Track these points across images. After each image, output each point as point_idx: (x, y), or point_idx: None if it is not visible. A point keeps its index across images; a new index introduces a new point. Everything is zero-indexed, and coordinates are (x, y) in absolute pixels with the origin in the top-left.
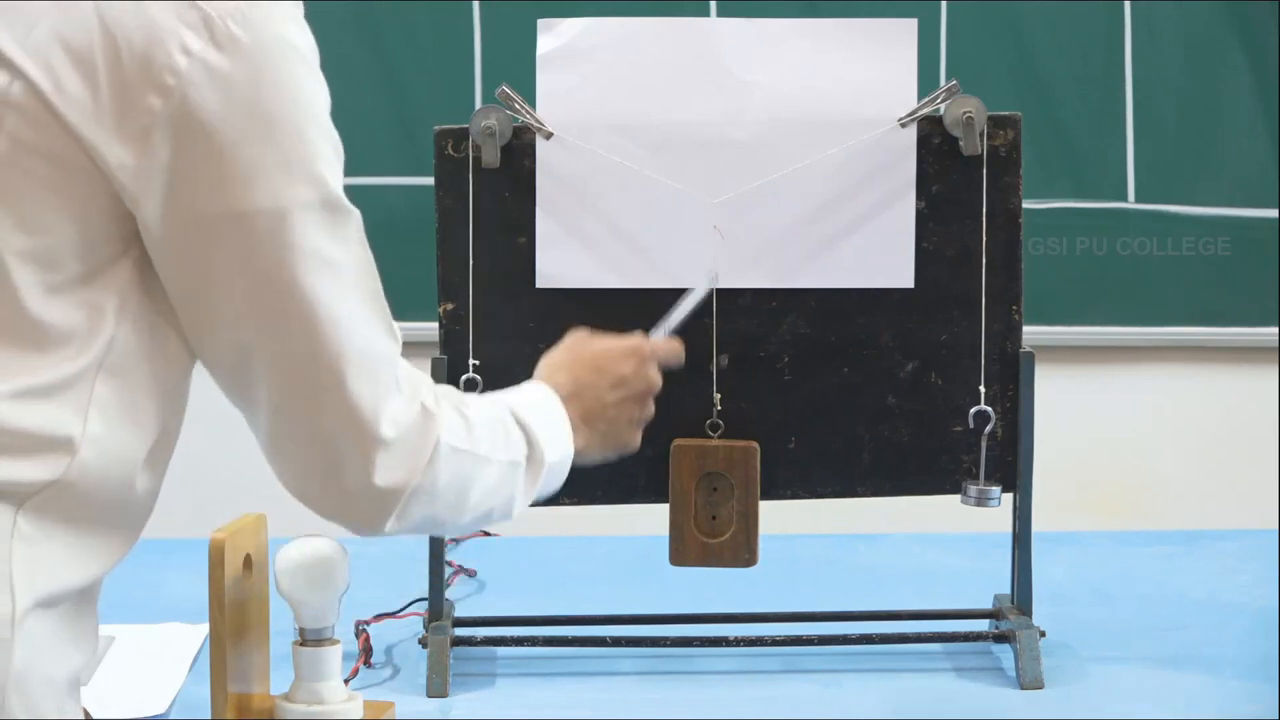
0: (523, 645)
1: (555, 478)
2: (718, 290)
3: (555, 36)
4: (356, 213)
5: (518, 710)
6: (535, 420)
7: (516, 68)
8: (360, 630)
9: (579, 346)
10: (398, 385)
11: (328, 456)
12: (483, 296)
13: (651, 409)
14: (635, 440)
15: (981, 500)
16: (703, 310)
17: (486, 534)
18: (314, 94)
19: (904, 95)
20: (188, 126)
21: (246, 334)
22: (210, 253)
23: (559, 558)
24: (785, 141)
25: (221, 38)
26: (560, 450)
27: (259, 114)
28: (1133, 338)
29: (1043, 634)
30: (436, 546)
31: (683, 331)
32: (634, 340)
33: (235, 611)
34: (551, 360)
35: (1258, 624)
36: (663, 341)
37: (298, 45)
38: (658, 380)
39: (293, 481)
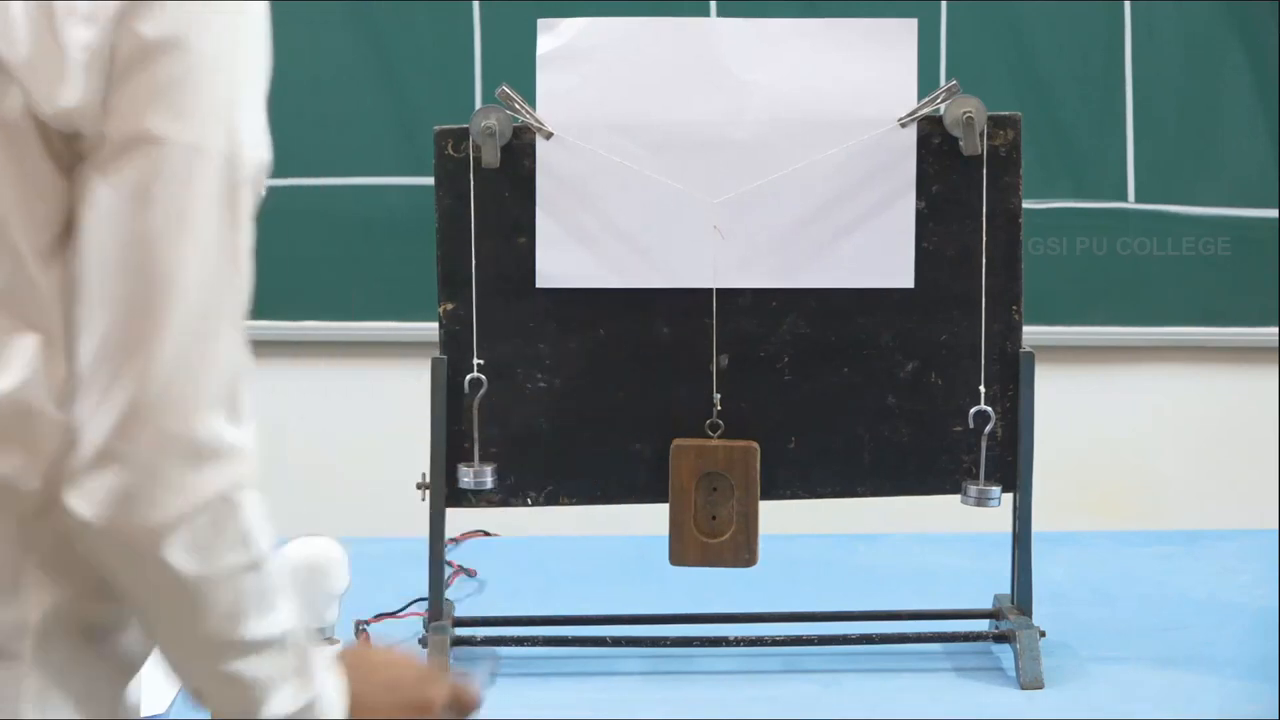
0: (523, 645)
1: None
2: (718, 290)
3: (555, 36)
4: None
5: (518, 710)
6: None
7: (516, 68)
8: (360, 630)
9: (357, 683)
10: (231, 407)
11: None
12: (483, 296)
13: None
14: None
15: (981, 500)
16: (703, 310)
17: (486, 534)
18: (251, 57)
19: (904, 95)
20: (118, 54)
21: (90, 275)
22: (102, 182)
23: (559, 558)
24: (785, 141)
25: (138, 16)
26: (336, 706)
27: (189, 51)
28: (1133, 338)
29: (1043, 634)
30: (436, 546)
31: (682, 328)
32: (422, 692)
33: None
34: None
35: (1258, 624)
36: (455, 691)
37: (240, 17)
38: (439, 707)
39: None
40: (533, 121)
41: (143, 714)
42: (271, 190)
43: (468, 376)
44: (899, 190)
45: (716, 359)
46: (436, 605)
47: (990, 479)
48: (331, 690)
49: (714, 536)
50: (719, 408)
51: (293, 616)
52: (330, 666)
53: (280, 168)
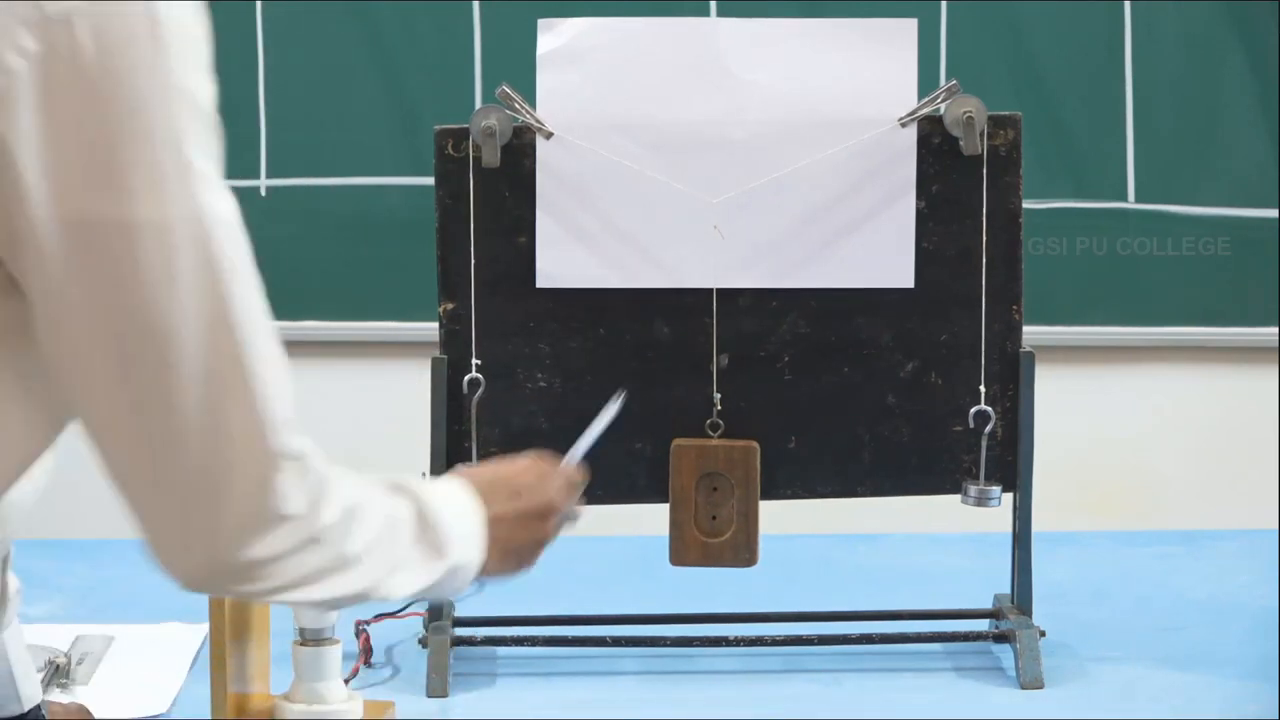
0: (523, 645)
1: (460, 576)
2: (718, 290)
3: (555, 36)
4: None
5: (518, 710)
6: (444, 514)
7: (516, 68)
8: (360, 630)
9: (477, 469)
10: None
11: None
12: (483, 296)
13: (554, 530)
14: (534, 560)
15: (981, 500)
16: (703, 310)
17: None
18: (178, 97)
19: (904, 95)
20: (26, 131)
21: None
22: (56, 263)
23: (559, 558)
24: (785, 141)
25: (59, 41)
26: (466, 544)
27: (109, 119)
28: (1133, 338)
29: (1043, 634)
30: None
31: (682, 328)
32: (532, 457)
33: (235, 611)
34: (446, 476)
35: (1258, 624)
36: (568, 467)
37: (156, 42)
38: (558, 500)
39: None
40: (533, 121)
41: (143, 714)
42: (272, 190)
43: (466, 377)
44: (899, 190)
45: (716, 359)
46: (436, 605)
47: (990, 479)
48: (466, 548)
49: (714, 536)
50: (719, 408)
51: (381, 518)
52: (461, 509)
53: (280, 168)
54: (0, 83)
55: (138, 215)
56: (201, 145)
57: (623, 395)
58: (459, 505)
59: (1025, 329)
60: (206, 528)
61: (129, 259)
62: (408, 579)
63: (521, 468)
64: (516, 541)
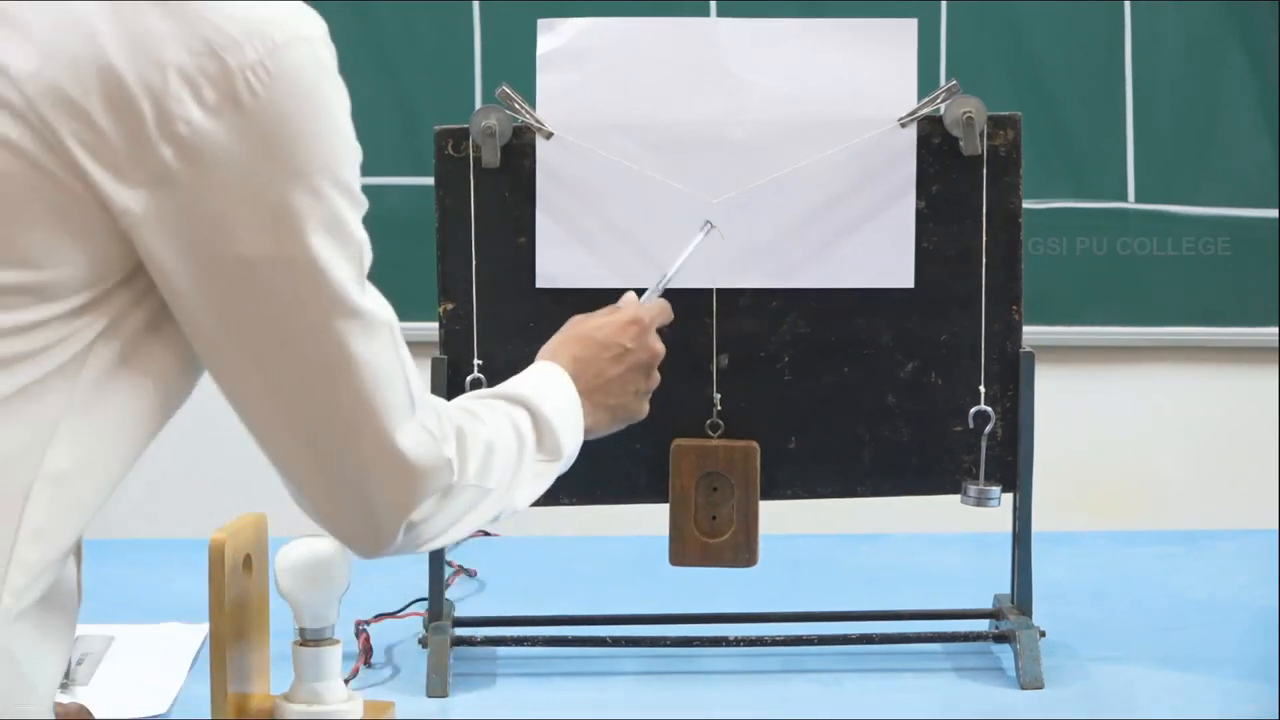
0: (523, 645)
1: (569, 465)
2: (718, 290)
3: (555, 36)
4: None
5: (518, 710)
6: (558, 419)
7: (516, 68)
8: (360, 630)
9: (575, 326)
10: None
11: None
12: (483, 296)
13: (657, 378)
14: (643, 410)
15: (981, 500)
16: (703, 310)
17: (486, 534)
18: (339, 140)
19: (904, 95)
20: (204, 176)
21: (280, 377)
22: (239, 299)
23: (559, 558)
24: (785, 141)
25: (242, 92)
26: (575, 440)
27: (280, 162)
28: (1133, 338)
29: (1043, 634)
30: None
31: (682, 328)
32: (630, 311)
33: (235, 611)
34: (550, 343)
35: (1258, 624)
36: (654, 306)
37: (322, 89)
38: (659, 348)
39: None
40: (533, 121)
41: (143, 714)
42: None
43: (468, 377)
44: (899, 190)
45: (716, 359)
46: (436, 605)
47: (990, 479)
48: (574, 437)
49: (714, 536)
50: (719, 408)
51: (512, 442)
52: (565, 400)
53: None
54: (184, 131)
55: (305, 252)
56: (356, 174)
57: (709, 227)
58: (563, 396)
59: (1025, 329)
60: (374, 514)
61: (302, 290)
62: (534, 489)
63: (619, 326)
64: (625, 398)
